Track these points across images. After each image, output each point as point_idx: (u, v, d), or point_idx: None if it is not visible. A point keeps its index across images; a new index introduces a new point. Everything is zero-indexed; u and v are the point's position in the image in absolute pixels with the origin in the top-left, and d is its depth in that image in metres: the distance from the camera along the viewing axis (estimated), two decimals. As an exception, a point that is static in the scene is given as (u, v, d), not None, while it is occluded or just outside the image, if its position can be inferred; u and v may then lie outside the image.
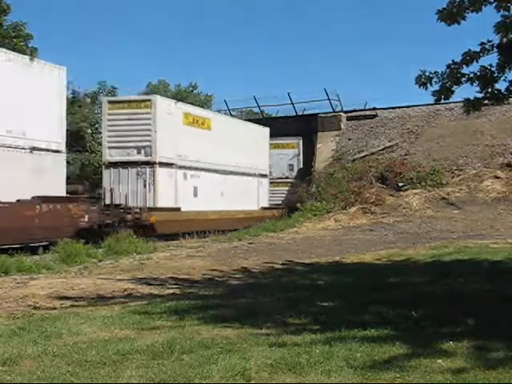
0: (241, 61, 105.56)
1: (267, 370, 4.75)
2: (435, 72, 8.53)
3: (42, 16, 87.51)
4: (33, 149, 15.52)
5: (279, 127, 29.91)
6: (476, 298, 7.90)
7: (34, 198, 15.21)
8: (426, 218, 22.88)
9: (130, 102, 20.96)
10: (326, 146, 32.12)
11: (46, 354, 5.28)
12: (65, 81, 17.16)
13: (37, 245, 14.85)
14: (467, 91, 9.02)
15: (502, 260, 12.06)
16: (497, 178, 25.51)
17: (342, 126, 32.66)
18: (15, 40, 32.20)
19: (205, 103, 60.78)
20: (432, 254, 13.97)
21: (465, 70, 8.50)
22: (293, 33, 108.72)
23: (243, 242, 17.78)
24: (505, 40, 8.36)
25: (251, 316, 6.80)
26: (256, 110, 39.93)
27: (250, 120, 31.26)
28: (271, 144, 29.20)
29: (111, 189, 18.98)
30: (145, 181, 19.84)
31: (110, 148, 20.36)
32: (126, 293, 8.99)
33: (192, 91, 63.72)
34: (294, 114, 35.55)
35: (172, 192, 20.79)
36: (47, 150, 15.97)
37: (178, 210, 20.77)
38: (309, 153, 32.34)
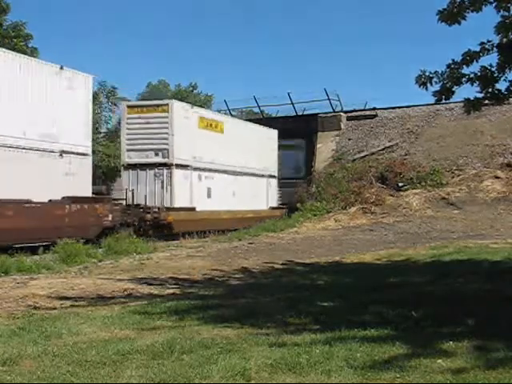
0: (241, 61, 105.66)
1: (267, 369, 4.75)
2: (435, 72, 8.54)
3: (41, 16, 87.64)
4: (63, 152, 16.41)
5: (279, 127, 29.91)
6: (476, 297, 7.90)
7: (63, 198, 16.13)
8: (426, 217, 22.89)
9: (148, 106, 21.93)
10: (326, 146, 32.13)
11: (46, 354, 5.28)
12: (91, 88, 18.16)
13: (37, 245, 14.90)
14: (467, 91, 9.04)
15: (502, 260, 12.06)
16: (497, 177, 25.52)
17: (342, 126, 32.67)
18: (15, 40, 32.21)
19: (205, 103, 60.78)
20: (432, 253, 13.97)
21: (465, 70, 8.51)
22: (293, 33, 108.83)
23: (243, 242, 17.78)
24: (505, 40, 8.36)
25: (251, 316, 6.80)
26: (256, 109, 39.95)
27: (250, 120, 31.28)
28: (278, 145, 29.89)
29: (132, 190, 20.08)
30: (162, 182, 20.67)
31: (128, 150, 21.18)
32: (125, 293, 8.99)
33: (192, 91, 63.74)
34: (294, 113, 35.56)
35: (187, 192, 21.59)
36: (75, 154, 16.85)
37: (193, 209, 21.61)
38: (309, 153, 32.37)
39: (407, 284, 9.25)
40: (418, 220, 22.59)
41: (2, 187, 14.15)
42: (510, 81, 8.62)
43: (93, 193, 17.99)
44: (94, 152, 19.09)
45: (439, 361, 4.91)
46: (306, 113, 35.56)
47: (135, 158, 20.99)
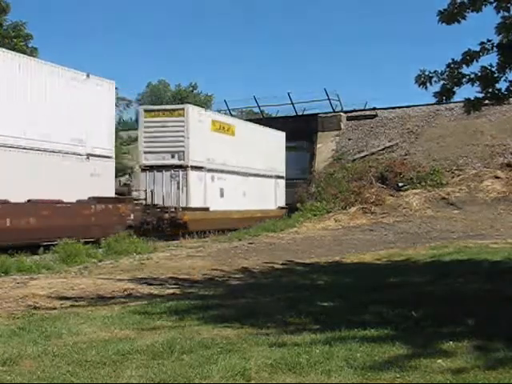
0: (241, 61, 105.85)
1: (267, 369, 4.75)
2: (435, 71, 8.54)
3: (41, 16, 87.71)
4: (89, 155, 17.36)
5: (279, 127, 29.93)
6: (476, 297, 7.90)
7: (90, 198, 17.15)
8: (426, 217, 22.89)
9: (164, 110, 23.01)
10: (326, 146, 32.13)
11: (46, 354, 5.27)
12: (114, 93, 19.08)
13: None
14: (468, 91, 9.04)
15: (502, 260, 12.06)
16: (497, 177, 25.52)
17: (342, 126, 32.67)
18: (15, 40, 32.20)
19: (205, 103, 60.80)
20: (432, 253, 13.97)
21: (465, 70, 8.52)
22: (293, 33, 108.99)
23: (243, 242, 17.78)
24: (505, 40, 8.36)
25: (251, 316, 6.80)
26: (256, 110, 39.99)
27: (250, 120, 31.30)
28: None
29: (151, 190, 21.05)
30: (178, 183, 21.59)
31: (145, 153, 22.12)
32: (126, 293, 8.99)
33: (192, 91, 63.73)
34: (294, 113, 35.56)
35: (202, 193, 22.51)
36: (100, 156, 17.82)
37: (207, 209, 22.59)
38: (308, 153, 32.38)
39: (407, 284, 9.25)
40: (418, 220, 22.59)
41: (37, 189, 15.18)
42: (510, 81, 8.62)
43: (116, 193, 18.83)
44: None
45: (439, 361, 4.91)
46: (306, 113, 35.59)
47: (152, 160, 21.86)
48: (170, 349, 5.34)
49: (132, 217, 18.75)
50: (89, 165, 17.31)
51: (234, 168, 24.46)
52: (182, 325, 6.44)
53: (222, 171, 23.73)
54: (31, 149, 15.38)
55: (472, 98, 8.79)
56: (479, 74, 8.43)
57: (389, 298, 7.76)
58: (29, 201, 15.13)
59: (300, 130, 31.71)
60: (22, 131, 15.14)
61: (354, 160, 29.96)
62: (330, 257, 14.16)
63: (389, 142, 30.55)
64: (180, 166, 21.65)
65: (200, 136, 22.20)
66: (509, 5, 8.21)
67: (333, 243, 17.71)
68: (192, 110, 22.51)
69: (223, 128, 24.29)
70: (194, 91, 64.05)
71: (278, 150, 29.08)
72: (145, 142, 22.17)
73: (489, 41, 8.33)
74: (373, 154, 29.98)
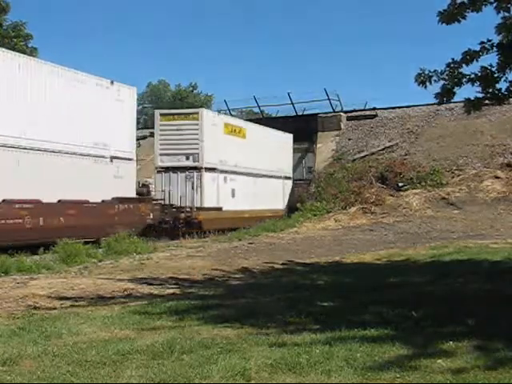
0: (241, 61, 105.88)
1: (267, 369, 4.75)
2: (434, 70, 8.54)
3: (41, 16, 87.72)
4: (113, 158, 18.41)
5: (279, 127, 29.94)
6: (476, 297, 7.90)
7: (113, 199, 18.20)
8: (426, 217, 22.89)
9: (179, 114, 23.92)
10: (326, 146, 32.12)
11: (46, 354, 5.27)
12: (135, 99, 20.08)
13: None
14: (468, 91, 9.04)
15: (502, 260, 12.06)
16: (497, 177, 25.51)
17: (342, 126, 32.67)
18: (15, 40, 32.23)
19: (205, 103, 60.77)
20: (432, 253, 13.97)
21: (465, 70, 8.51)
22: (293, 33, 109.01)
23: (243, 242, 17.78)
24: (505, 40, 8.36)
25: (251, 316, 6.80)
26: (256, 110, 40.00)
27: (250, 120, 31.31)
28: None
29: (169, 191, 21.93)
30: (193, 184, 22.49)
31: (161, 155, 23.01)
32: (125, 293, 8.99)
33: (192, 91, 63.76)
34: (294, 113, 35.56)
35: (215, 193, 23.41)
36: (122, 159, 18.86)
37: (220, 209, 23.49)
38: (309, 153, 32.38)
39: (407, 284, 9.25)
40: (418, 220, 22.59)
41: (67, 189, 16.20)
42: (510, 81, 8.62)
43: (136, 194, 19.97)
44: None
45: (439, 361, 4.91)
46: (306, 113, 35.57)
47: (167, 162, 22.74)
48: (169, 349, 5.34)
49: (151, 216, 19.88)
50: (112, 167, 18.33)
51: (244, 169, 25.31)
52: (181, 325, 6.44)
53: (233, 172, 24.59)
54: (61, 152, 16.39)
55: (472, 98, 8.79)
56: (479, 74, 8.43)
57: (389, 298, 7.76)
58: (59, 201, 16.11)
59: (300, 130, 31.72)
60: (54, 136, 16.07)
61: (354, 160, 29.96)
62: (330, 257, 14.16)
63: (389, 142, 30.55)
64: (194, 168, 22.55)
65: (213, 139, 23.11)
66: (509, 5, 8.21)
67: (333, 243, 17.71)
68: (206, 114, 23.54)
69: (235, 131, 25.17)
70: (194, 91, 64.09)
71: (285, 151, 29.99)
72: (160, 144, 23.04)
73: (489, 41, 8.33)
74: (373, 153, 29.98)
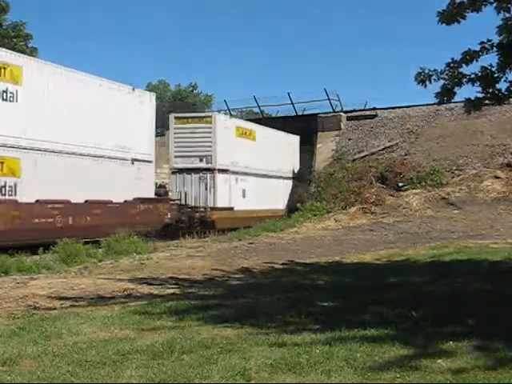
0: (241, 61, 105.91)
1: (267, 370, 4.75)
2: (434, 70, 8.53)
3: (41, 16, 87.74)
4: (134, 160, 19.32)
5: (279, 127, 29.93)
6: (476, 297, 7.90)
7: (134, 199, 19.16)
8: (426, 218, 22.88)
9: (193, 117, 24.98)
10: (326, 146, 32.12)
11: (46, 354, 5.27)
12: (154, 103, 20.90)
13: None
14: (468, 91, 9.04)
15: (502, 260, 12.06)
16: (497, 177, 25.50)
17: (342, 126, 32.66)
18: (15, 40, 32.23)
19: (205, 103, 60.77)
20: (432, 253, 13.96)
21: (465, 70, 8.51)
22: (293, 33, 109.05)
23: (243, 242, 17.77)
24: (505, 40, 8.36)
25: (251, 316, 6.80)
26: (256, 109, 39.98)
27: (250, 120, 31.32)
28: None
29: (184, 192, 22.98)
30: (206, 184, 23.47)
31: (176, 157, 23.95)
32: (125, 293, 8.99)
33: (192, 91, 63.74)
34: (294, 113, 35.54)
35: (227, 194, 24.36)
36: (142, 161, 19.78)
37: (231, 209, 24.50)
38: (309, 153, 32.37)
39: (407, 284, 9.25)
40: (418, 220, 22.58)
41: (92, 190, 17.10)
42: (510, 81, 8.61)
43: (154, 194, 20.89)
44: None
45: (439, 361, 4.91)
46: (306, 113, 35.56)
47: (181, 164, 23.74)
48: (169, 349, 5.34)
49: (169, 216, 20.89)
50: (133, 169, 19.31)
51: (254, 170, 26.28)
52: (181, 325, 6.44)
53: (244, 173, 25.53)
54: (88, 155, 17.30)
55: (472, 98, 8.79)
56: (479, 74, 8.43)
57: (389, 298, 7.76)
58: (86, 201, 17.03)
59: (300, 130, 31.72)
60: (81, 140, 16.97)
61: (354, 160, 29.95)
62: (330, 257, 14.15)
63: (389, 142, 30.54)
64: (208, 169, 23.50)
65: (225, 141, 24.02)
66: (509, 5, 8.20)
67: (333, 243, 17.70)
68: (219, 118, 24.59)
69: (245, 133, 26.14)
70: (194, 91, 64.08)
71: (292, 152, 30.80)
72: (175, 146, 23.97)
73: (489, 41, 8.33)
74: (373, 153, 29.97)
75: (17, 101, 15.08)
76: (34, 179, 15.24)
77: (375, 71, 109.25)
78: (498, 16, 8.27)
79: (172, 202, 21.79)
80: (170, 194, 22.54)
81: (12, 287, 9.50)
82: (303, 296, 8.22)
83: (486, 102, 9.00)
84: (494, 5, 8.26)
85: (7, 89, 14.84)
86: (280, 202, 29.01)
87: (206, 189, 23.40)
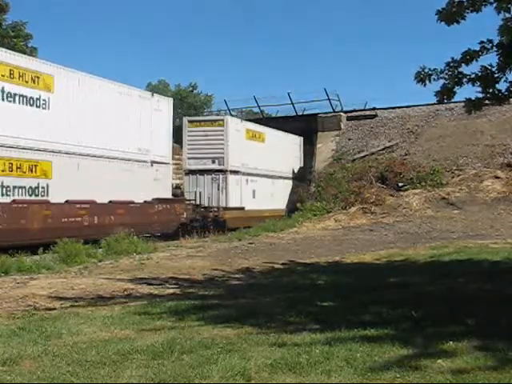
0: (241, 61, 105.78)
1: (267, 370, 4.75)
2: (434, 69, 8.53)
3: (41, 16, 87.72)
4: (153, 162, 20.42)
5: (279, 127, 29.94)
6: (476, 297, 7.90)
7: (153, 199, 20.23)
8: (425, 218, 22.88)
9: (206, 121, 26.31)
10: (326, 146, 32.12)
11: (46, 354, 5.27)
12: (171, 108, 21.95)
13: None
14: (468, 91, 9.04)
15: (502, 260, 12.06)
16: (497, 177, 25.49)
17: (342, 126, 32.65)
18: (15, 40, 32.19)
19: (205, 103, 60.76)
20: (432, 253, 13.96)
21: (466, 69, 8.51)
22: (293, 33, 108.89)
23: (243, 242, 17.77)
24: (505, 41, 8.35)
25: (251, 316, 6.80)
26: (256, 109, 39.99)
27: (250, 120, 31.35)
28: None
29: (198, 192, 23.88)
30: (218, 185, 24.43)
31: (189, 158, 24.88)
32: (125, 293, 8.99)
33: (192, 91, 63.68)
34: (294, 113, 35.54)
35: (238, 194, 25.37)
36: (161, 163, 20.87)
37: (242, 209, 25.53)
38: (309, 153, 32.39)
39: (407, 284, 9.25)
40: (418, 220, 22.58)
41: (115, 191, 18.15)
42: (510, 81, 8.61)
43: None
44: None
45: (439, 361, 4.91)
46: (306, 113, 35.55)
47: (194, 165, 24.66)
48: (170, 349, 5.34)
49: (185, 215, 21.94)
50: (152, 170, 20.37)
51: (263, 171, 27.34)
52: (181, 325, 6.44)
53: (254, 174, 26.54)
54: (111, 157, 18.31)
55: (472, 98, 8.79)
56: (479, 73, 8.43)
57: (389, 298, 7.76)
58: (110, 201, 18.06)
59: (300, 130, 31.73)
60: (105, 143, 17.99)
61: (354, 160, 29.95)
62: (330, 257, 14.15)
63: (389, 142, 30.54)
64: (220, 171, 24.47)
65: (237, 143, 25.07)
66: (509, 5, 8.20)
67: (333, 243, 17.70)
68: (231, 121, 25.55)
69: (255, 136, 27.23)
70: (194, 91, 64.04)
71: (296, 153, 31.73)
72: (188, 149, 24.91)
73: (489, 40, 8.33)
74: (373, 153, 29.96)
75: (49, 108, 16.15)
76: (63, 181, 16.31)
77: (375, 71, 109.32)
78: (498, 16, 8.28)
79: (187, 202, 22.79)
80: (185, 194, 23.70)
81: (12, 287, 9.50)
82: (303, 296, 8.22)
83: (486, 102, 9.00)
84: (494, 5, 8.26)
85: (40, 96, 15.93)
86: (282, 202, 29.65)
87: (219, 189, 24.33)
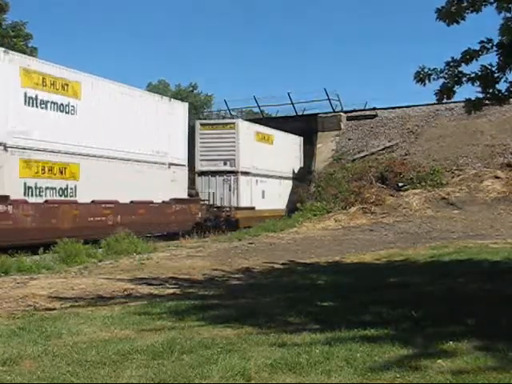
0: (241, 61, 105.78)
1: (267, 370, 4.75)
2: (434, 69, 8.53)
3: (41, 16, 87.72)
4: (170, 164, 21.36)
5: (279, 127, 29.94)
6: (476, 297, 7.90)
7: (171, 199, 21.15)
8: (425, 218, 22.87)
9: (217, 124, 27.15)
10: (326, 146, 32.12)
11: (46, 354, 5.27)
12: (187, 112, 22.85)
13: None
14: (468, 91, 9.03)
15: (502, 260, 12.05)
16: (497, 177, 25.49)
17: (342, 126, 32.65)
18: (15, 40, 32.19)
19: (205, 103, 60.74)
20: (432, 253, 13.96)
21: (465, 69, 8.50)
22: (293, 33, 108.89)
23: (243, 242, 17.77)
24: (505, 40, 8.35)
25: (251, 316, 6.80)
26: (256, 109, 39.97)
27: (250, 120, 31.36)
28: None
29: (211, 193, 24.88)
30: (230, 186, 25.35)
31: (201, 160, 25.66)
32: (125, 293, 8.98)
33: (192, 91, 63.70)
34: (294, 113, 35.54)
35: (248, 194, 26.25)
36: (177, 165, 21.80)
37: (253, 208, 26.39)
38: (309, 153, 32.41)
39: (407, 284, 9.25)
40: (418, 220, 22.58)
41: (136, 191, 19.01)
42: (510, 82, 8.61)
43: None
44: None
45: (439, 361, 4.91)
46: (306, 113, 35.54)
47: (206, 167, 25.47)
48: (170, 349, 5.34)
49: (200, 215, 22.94)
50: (170, 172, 21.30)
51: (272, 172, 28.28)
52: (181, 325, 6.44)
53: (263, 175, 27.45)
54: (133, 160, 19.24)
55: (472, 99, 8.79)
56: (479, 73, 8.42)
57: (389, 298, 7.76)
58: (131, 201, 18.97)
59: (300, 130, 31.74)
60: (126, 146, 18.88)
61: (354, 160, 29.95)
62: (330, 257, 14.15)
63: (389, 142, 30.54)
64: (231, 172, 25.37)
65: (247, 146, 25.99)
66: (510, 5, 8.19)
67: (333, 243, 17.70)
68: (242, 124, 26.35)
69: (264, 138, 28.18)
70: (194, 91, 64.03)
71: (297, 153, 32.24)
72: (200, 151, 25.69)
73: (489, 40, 8.32)
74: (373, 153, 29.96)
75: (76, 113, 17.09)
76: (89, 182, 17.24)
77: (375, 71, 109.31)
78: (499, 16, 8.27)
79: (202, 203, 23.76)
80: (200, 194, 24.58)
81: (12, 287, 9.49)
82: (303, 296, 8.22)
83: (486, 102, 8.99)
84: (495, 5, 8.25)
85: (69, 103, 16.87)
86: (282, 202, 30.07)
87: (230, 190, 25.26)
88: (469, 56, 8.39)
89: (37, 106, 15.82)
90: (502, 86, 8.66)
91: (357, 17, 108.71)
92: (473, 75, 8.43)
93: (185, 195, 22.35)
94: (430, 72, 8.50)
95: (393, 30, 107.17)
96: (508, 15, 8.22)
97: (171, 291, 9.07)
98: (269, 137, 28.67)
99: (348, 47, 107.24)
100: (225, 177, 25.39)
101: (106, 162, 18.08)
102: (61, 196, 16.57)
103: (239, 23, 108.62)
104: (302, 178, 31.37)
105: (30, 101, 15.67)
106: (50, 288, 9.33)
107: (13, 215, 14.97)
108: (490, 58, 8.53)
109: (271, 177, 28.36)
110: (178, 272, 11.44)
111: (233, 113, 37.37)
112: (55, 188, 16.35)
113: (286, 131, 30.28)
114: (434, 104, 28.20)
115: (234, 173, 25.41)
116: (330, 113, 33.74)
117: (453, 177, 26.51)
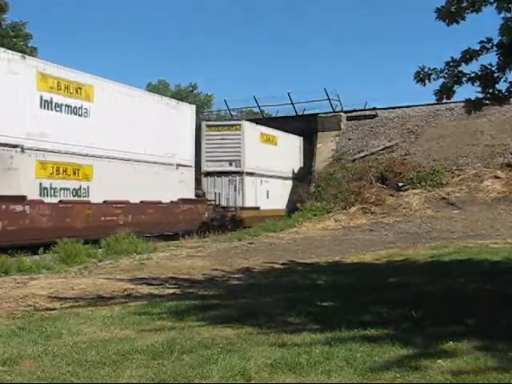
0: (241, 61, 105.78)
1: (267, 370, 4.75)
2: (434, 69, 8.53)
3: (41, 16, 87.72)
4: (178, 165, 21.82)
5: (279, 127, 29.94)
6: (476, 297, 7.90)
7: (179, 200, 21.61)
8: (425, 218, 22.87)
9: (223, 125, 27.40)
10: (326, 146, 32.12)
11: (46, 354, 5.27)
12: (194, 114, 23.40)
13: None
14: (468, 91, 9.03)
15: (502, 260, 12.05)
16: (497, 177, 25.49)
17: (342, 126, 32.65)
18: (15, 40, 32.18)
19: (205, 103, 60.74)
20: (432, 253, 13.96)
21: (465, 68, 8.50)
22: (293, 33, 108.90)
23: (243, 242, 17.76)
24: (505, 40, 8.35)
25: (251, 316, 6.80)
26: (256, 109, 39.97)
27: (250, 120, 31.36)
28: None
29: (218, 193, 25.31)
30: (235, 186, 25.78)
31: (207, 161, 26.04)
32: (125, 293, 8.98)
33: (192, 91, 63.72)
34: (294, 113, 35.54)
35: (253, 195, 26.72)
36: (185, 166, 22.27)
37: (257, 208, 26.86)
38: (309, 153, 32.42)
39: (407, 284, 9.25)
40: (418, 220, 22.58)
41: (145, 192, 19.45)
42: (510, 82, 8.60)
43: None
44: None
45: (439, 361, 4.91)
46: (306, 113, 35.54)
47: (212, 167, 25.84)
48: (169, 349, 5.34)
49: (206, 215, 23.42)
50: (178, 173, 21.77)
51: (275, 173, 28.75)
52: (181, 325, 6.44)
53: (267, 176, 27.90)
54: (143, 161, 19.73)
55: (472, 99, 8.79)
56: (479, 73, 8.42)
57: (389, 298, 7.76)
58: (141, 202, 19.44)
59: (300, 130, 31.73)
60: (137, 148, 19.38)
61: (354, 160, 29.95)
62: (330, 257, 14.15)
63: (389, 142, 30.53)
64: (237, 172, 25.79)
65: (252, 147, 26.41)
66: (510, 5, 8.19)
67: (333, 243, 17.70)
68: (247, 126, 26.79)
69: (269, 139, 28.64)
70: (194, 91, 64.04)
71: (298, 153, 32.52)
72: (206, 151, 26.04)
73: (489, 40, 8.32)
74: (373, 153, 29.96)
75: (89, 116, 17.55)
76: (101, 183, 17.67)
77: (375, 71, 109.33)
78: (499, 16, 8.27)
79: (208, 203, 24.17)
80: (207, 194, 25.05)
81: (12, 287, 9.49)
82: (303, 296, 8.22)
83: (486, 102, 8.99)
84: (495, 5, 8.25)
85: (82, 106, 17.31)
86: (282, 202, 30.25)
87: (235, 190, 25.68)
88: (469, 56, 8.39)
89: (52, 109, 16.29)
90: (501, 86, 8.68)
91: (357, 17, 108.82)
92: (473, 75, 8.44)
93: (192, 195, 22.78)
94: (429, 72, 8.50)
95: (393, 30, 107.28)
96: (508, 15, 8.23)
97: (171, 291, 9.07)
98: (273, 138, 29.09)
99: (348, 47, 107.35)
100: (230, 177, 25.77)
101: (117, 163, 18.54)
102: (74, 196, 17.05)
103: (239, 23, 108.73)
104: (302, 177, 31.40)
105: (46, 104, 16.11)
106: (50, 288, 9.33)
107: (30, 215, 15.39)
108: (490, 58, 8.54)
109: (274, 177, 28.71)
110: (178, 272, 11.44)
111: (233, 113, 37.40)
112: (69, 188, 16.83)
113: (286, 131, 30.29)
114: (434, 104, 28.21)
115: (240, 173, 25.78)
116: (330, 113, 33.74)
117: (453, 177, 26.51)
